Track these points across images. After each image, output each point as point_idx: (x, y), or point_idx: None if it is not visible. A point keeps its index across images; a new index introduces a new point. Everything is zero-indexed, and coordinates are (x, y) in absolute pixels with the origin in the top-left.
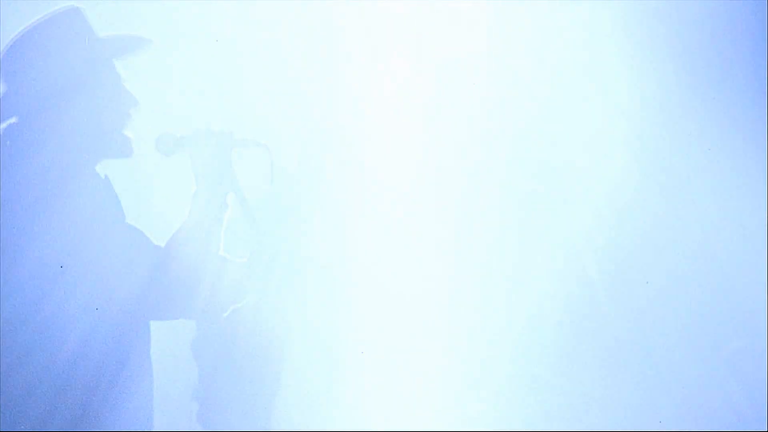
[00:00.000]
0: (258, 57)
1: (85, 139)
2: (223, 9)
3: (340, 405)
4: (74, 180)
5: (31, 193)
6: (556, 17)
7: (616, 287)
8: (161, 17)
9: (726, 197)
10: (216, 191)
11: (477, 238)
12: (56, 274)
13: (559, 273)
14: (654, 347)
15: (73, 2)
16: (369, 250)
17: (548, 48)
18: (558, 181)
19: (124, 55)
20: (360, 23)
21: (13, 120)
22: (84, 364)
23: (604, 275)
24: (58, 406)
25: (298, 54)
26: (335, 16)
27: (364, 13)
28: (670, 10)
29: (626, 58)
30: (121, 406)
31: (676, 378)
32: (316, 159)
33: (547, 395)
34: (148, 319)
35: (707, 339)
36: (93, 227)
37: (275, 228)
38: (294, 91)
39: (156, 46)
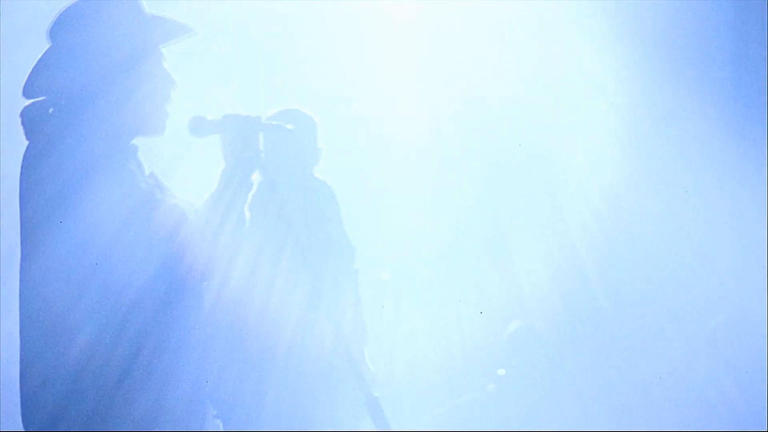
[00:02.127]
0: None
1: (119, 119)
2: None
3: (344, 400)
4: (104, 163)
5: (58, 178)
6: (557, 14)
7: (613, 285)
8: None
9: (725, 192)
10: (242, 169)
11: (475, 234)
12: (74, 260)
13: (556, 269)
14: (653, 347)
15: None
16: (377, 242)
17: (549, 46)
18: (555, 178)
19: (168, 38)
20: (366, 22)
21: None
22: (95, 360)
23: (602, 273)
24: (68, 405)
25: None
26: (345, 16)
27: (371, 12)
28: (669, 8)
29: (624, 55)
30: (130, 405)
31: (675, 378)
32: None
33: (544, 393)
34: (169, 294)
35: (707, 340)
36: (120, 208)
37: (297, 208)
38: (311, 84)
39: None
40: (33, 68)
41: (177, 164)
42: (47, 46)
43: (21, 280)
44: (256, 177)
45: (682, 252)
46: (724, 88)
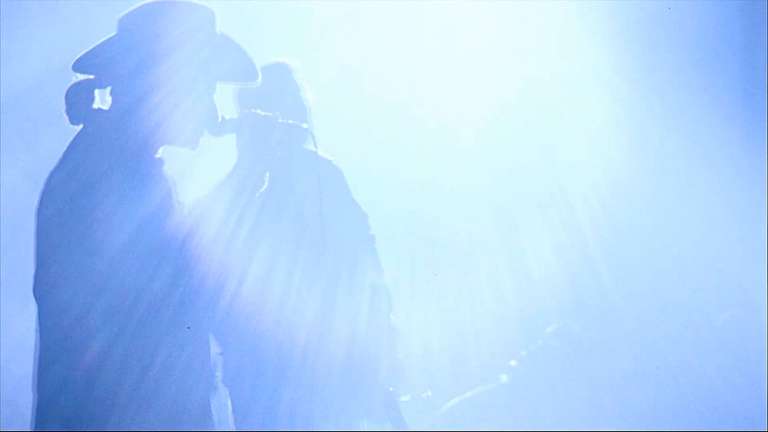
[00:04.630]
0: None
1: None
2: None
3: (361, 399)
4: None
5: (72, 183)
6: (560, 14)
7: (621, 277)
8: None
9: (733, 184)
10: (258, 169)
11: (486, 227)
12: (89, 264)
13: (566, 262)
14: (655, 348)
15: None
16: (388, 236)
17: (556, 43)
18: (564, 172)
19: (228, 78)
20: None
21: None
22: (109, 365)
23: (609, 265)
24: (83, 409)
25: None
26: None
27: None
28: (675, 5)
29: (630, 51)
30: (145, 409)
31: (675, 378)
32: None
33: (552, 385)
34: (183, 298)
35: (707, 340)
36: (133, 211)
37: (313, 206)
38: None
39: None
40: (96, 48)
41: (191, 162)
42: (114, 32)
43: (36, 284)
44: (269, 175)
45: (690, 245)
46: (729, 82)
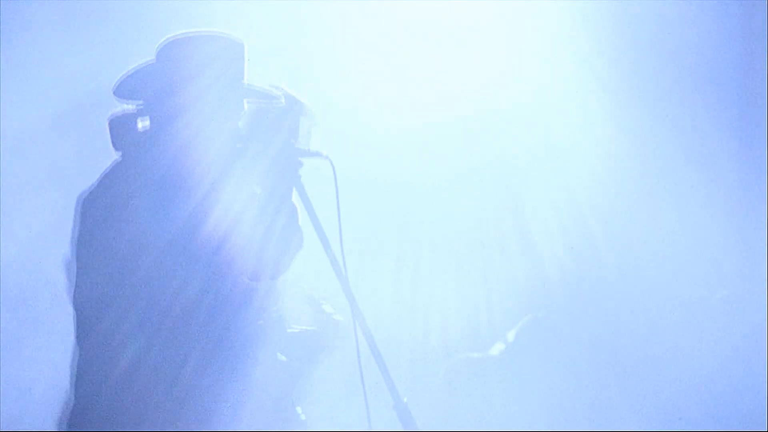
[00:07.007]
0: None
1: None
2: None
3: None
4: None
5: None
6: (560, 14)
7: (624, 272)
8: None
9: (729, 179)
10: (277, 195)
11: (482, 203)
12: (124, 273)
13: (572, 252)
14: (653, 347)
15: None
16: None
17: (553, 46)
18: (566, 170)
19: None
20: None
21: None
22: (144, 369)
23: (613, 256)
24: (119, 413)
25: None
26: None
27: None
28: (672, 7)
29: (627, 53)
30: (179, 412)
31: (675, 378)
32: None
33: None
34: (215, 304)
35: (706, 339)
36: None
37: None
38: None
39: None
40: (136, 74)
41: None
42: (152, 60)
43: (75, 293)
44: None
45: (688, 235)
46: (729, 81)
